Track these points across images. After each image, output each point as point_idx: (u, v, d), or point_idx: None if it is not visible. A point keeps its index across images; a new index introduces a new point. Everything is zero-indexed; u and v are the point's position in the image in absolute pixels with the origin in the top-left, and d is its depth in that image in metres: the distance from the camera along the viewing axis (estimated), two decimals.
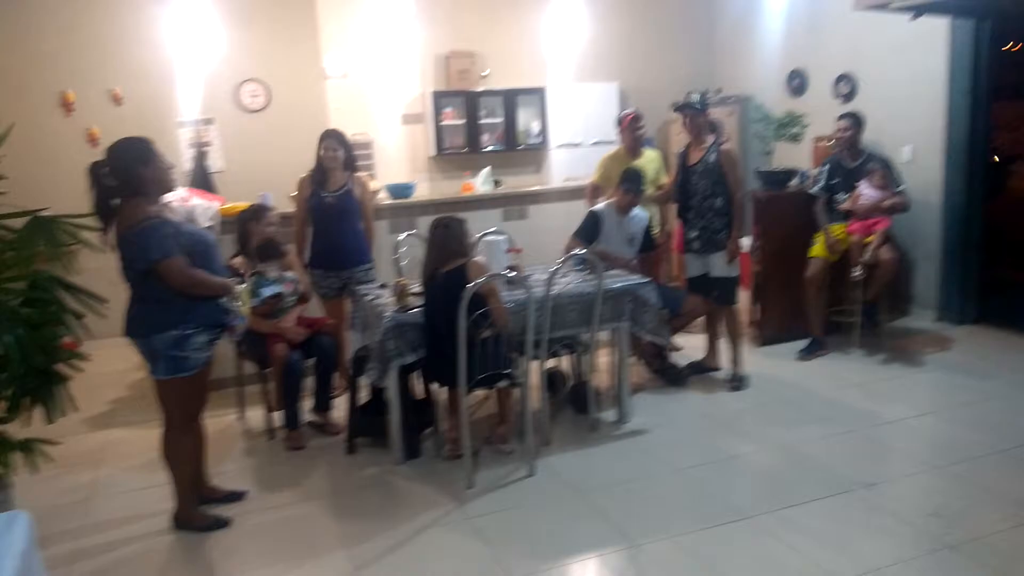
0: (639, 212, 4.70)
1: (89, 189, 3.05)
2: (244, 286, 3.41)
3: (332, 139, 4.52)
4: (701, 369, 4.95)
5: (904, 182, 5.24)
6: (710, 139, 4.59)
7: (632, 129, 5.12)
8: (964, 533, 2.96)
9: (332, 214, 4.54)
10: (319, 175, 4.52)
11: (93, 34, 6.37)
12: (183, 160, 6.54)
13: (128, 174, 2.98)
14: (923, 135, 5.84)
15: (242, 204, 4.96)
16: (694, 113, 4.57)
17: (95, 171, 3.04)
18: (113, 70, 6.44)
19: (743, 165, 7.46)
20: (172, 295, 2.99)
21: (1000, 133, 6.29)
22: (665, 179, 5.25)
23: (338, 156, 4.51)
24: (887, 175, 5.11)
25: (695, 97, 4.71)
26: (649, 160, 5.20)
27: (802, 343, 5.27)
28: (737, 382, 4.67)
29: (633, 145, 5.15)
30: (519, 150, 7.76)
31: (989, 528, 2.99)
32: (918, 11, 5.04)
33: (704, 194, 4.55)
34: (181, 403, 3.17)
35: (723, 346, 4.94)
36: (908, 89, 5.92)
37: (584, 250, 4.17)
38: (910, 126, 5.93)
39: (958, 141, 5.62)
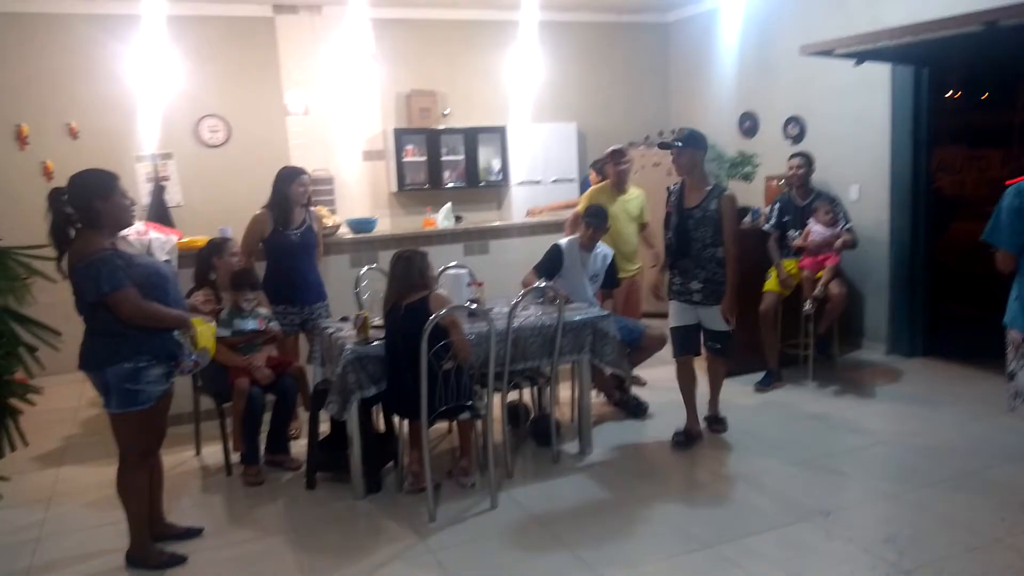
0: (603, 248, 4.77)
1: (46, 214, 3.01)
2: (210, 325, 3.34)
3: (305, 176, 4.54)
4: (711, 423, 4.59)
5: (851, 220, 5.43)
6: (710, 183, 4.21)
7: (615, 164, 5.23)
8: (918, 558, 3.03)
9: (294, 251, 4.53)
10: (282, 212, 4.50)
11: (49, 67, 6.31)
12: (141, 194, 6.48)
13: (85, 206, 2.96)
14: (869, 175, 6.06)
15: (201, 239, 4.93)
16: (677, 151, 4.13)
17: (54, 198, 3.01)
18: (69, 103, 6.38)
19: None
20: (125, 327, 2.95)
21: (943, 175, 6.55)
22: (648, 218, 5.39)
23: (308, 193, 4.54)
24: (833, 211, 5.30)
25: (685, 132, 4.20)
26: (633, 197, 5.32)
27: (758, 375, 5.38)
28: (720, 425, 4.54)
29: (618, 180, 5.27)
30: (480, 187, 7.83)
31: (942, 552, 3.07)
32: (860, 58, 5.27)
33: (704, 242, 4.14)
34: (136, 437, 3.10)
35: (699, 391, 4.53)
36: (854, 131, 6.17)
37: (544, 283, 4.23)
38: (857, 166, 6.16)
39: (902, 181, 5.85)
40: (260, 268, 4.63)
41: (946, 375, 5.42)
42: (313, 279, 4.65)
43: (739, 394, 5.22)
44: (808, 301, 5.23)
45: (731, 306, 4.17)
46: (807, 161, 5.45)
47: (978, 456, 4.03)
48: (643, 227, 5.41)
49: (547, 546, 3.27)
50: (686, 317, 4.33)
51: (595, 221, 4.62)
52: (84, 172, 3.02)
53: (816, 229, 5.27)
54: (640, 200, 5.37)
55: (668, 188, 4.39)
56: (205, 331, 3.21)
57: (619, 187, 5.28)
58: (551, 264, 4.62)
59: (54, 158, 6.30)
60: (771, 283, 5.38)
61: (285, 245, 4.50)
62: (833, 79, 6.21)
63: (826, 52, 5.21)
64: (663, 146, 4.25)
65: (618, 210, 5.17)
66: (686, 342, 4.38)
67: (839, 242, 5.23)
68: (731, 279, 4.15)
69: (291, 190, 4.47)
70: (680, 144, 4.11)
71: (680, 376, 4.45)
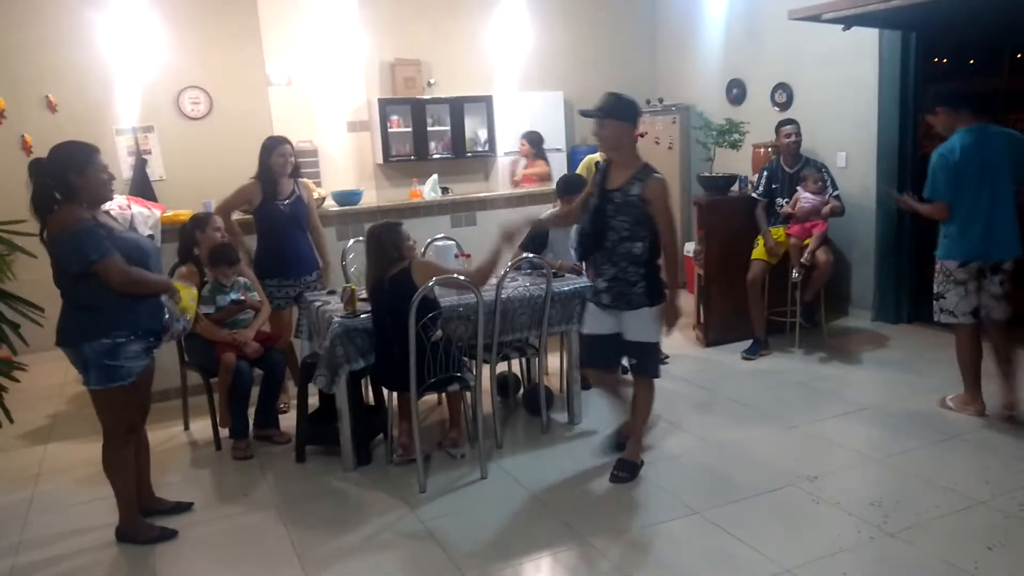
0: None
1: (28, 185, 2.97)
2: (191, 290, 3.34)
3: (286, 146, 4.48)
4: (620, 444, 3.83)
5: (839, 187, 5.43)
6: (638, 163, 3.41)
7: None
8: (902, 521, 3.07)
9: (286, 222, 4.49)
10: (269, 184, 4.45)
11: (26, 38, 6.16)
12: (122, 168, 6.40)
13: (61, 180, 2.92)
14: (857, 142, 6.05)
15: (184, 212, 4.88)
16: (598, 123, 3.39)
17: (34, 168, 2.96)
18: (47, 76, 6.25)
19: (683, 186, 7.66)
20: (103, 301, 2.92)
21: (930, 142, 6.54)
22: None
23: (291, 163, 4.48)
24: (821, 179, 5.29)
25: (609, 100, 3.37)
26: None
27: (745, 343, 5.41)
28: (626, 473, 3.57)
29: None
30: (467, 157, 7.77)
31: (925, 515, 3.11)
32: (849, 22, 5.23)
33: (621, 234, 3.37)
34: (118, 414, 3.08)
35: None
36: (842, 98, 6.14)
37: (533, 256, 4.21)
38: (844, 133, 6.14)
39: (889, 148, 5.84)
40: (251, 242, 4.61)
41: (931, 341, 5.46)
42: (305, 251, 4.62)
43: (727, 362, 5.25)
44: (795, 268, 5.24)
45: (673, 313, 3.46)
46: (799, 128, 5.42)
47: (962, 421, 4.08)
48: None
49: (537, 515, 3.29)
50: (599, 323, 3.57)
51: (575, 192, 4.59)
52: (62, 145, 2.97)
53: (805, 196, 5.27)
54: None
55: (597, 163, 3.94)
56: (186, 296, 3.20)
57: None
58: (538, 239, 4.59)
59: (32, 132, 6.19)
60: (758, 251, 5.38)
61: (275, 216, 4.46)
62: (821, 45, 6.17)
63: (814, 17, 5.16)
64: (584, 113, 3.47)
65: None
66: (597, 353, 3.63)
67: (827, 209, 5.23)
68: (671, 280, 3.49)
69: (272, 160, 4.41)
70: (601, 114, 3.37)
71: (602, 391, 3.96)
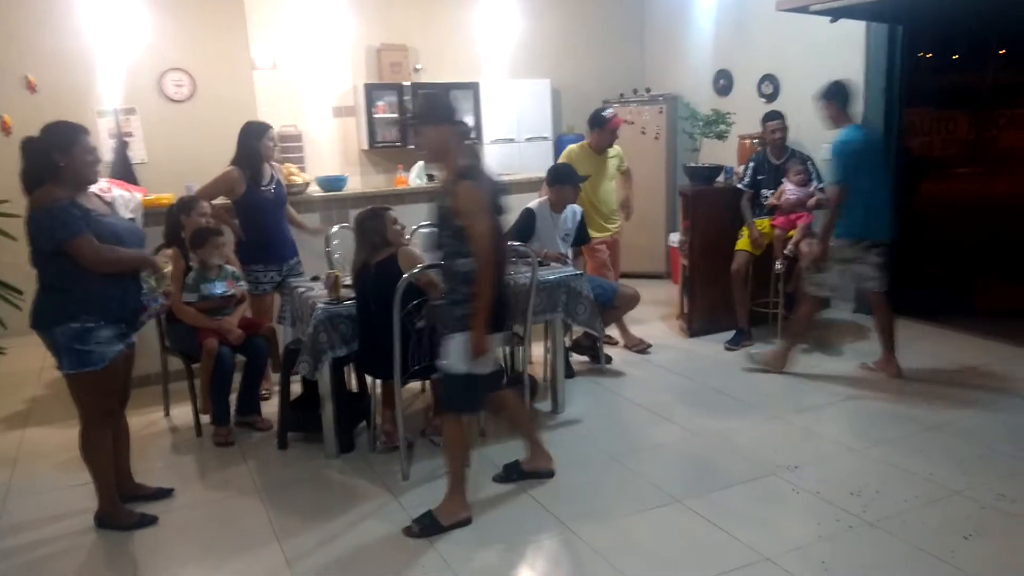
0: (572, 206, 4.75)
1: (21, 161, 2.94)
2: (169, 268, 3.32)
3: (272, 130, 4.46)
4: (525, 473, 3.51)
5: (824, 179, 5.44)
6: (457, 169, 2.97)
7: (614, 132, 5.22)
8: (881, 510, 3.10)
9: (270, 208, 4.46)
10: (253, 169, 4.41)
11: (5, 18, 6.06)
12: (104, 150, 6.29)
13: (46, 159, 2.88)
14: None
15: (166, 196, 4.83)
16: (416, 131, 3.09)
17: (25, 146, 2.93)
18: (27, 55, 6.15)
19: (669, 176, 7.66)
20: (72, 283, 2.88)
21: (913, 136, 6.59)
22: (627, 166, 5.52)
23: (276, 148, 4.46)
24: (805, 172, 5.31)
25: (423, 104, 3.12)
26: (612, 155, 5.33)
27: (729, 334, 5.43)
28: (419, 526, 3.07)
29: (603, 144, 5.25)
30: None
31: (904, 505, 3.15)
32: (836, 14, 5.24)
33: (447, 250, 3.01)
34: (94, 399, 3.05)
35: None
36: None
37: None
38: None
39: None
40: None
41: (912, 333, 5.51)
42: (287, 235, 4.61)
43: (710, 353, 5.27)
44: (778, 260, 5.26)
45: (478, 339, 2.94)
46: (785, 122, 5.44)
47: (941, 412, 4.12)
48: (624, 173, 5.48)
49: (521, 503, 3.30)
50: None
51: (566, 181, 4.59)
52: (52, 124, 2.94)
53: (790, 188, 5.28)
54: (618, 158, 5.40)
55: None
56: (164, 280, 3.18)
57: (599, 151, 5.26)
58: (525, 228, 4.59)
59: (12, 112, 6.10)
60: (743, 242, 5.40)
61: (260, 202, 4.42)
62: (809, 37, 6.18)
63: (802, 8, 5.15)
64: (408, 125, 3.09)
65: (597, 170, 5.17)
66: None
67: (812, 201, 5.25)
68: (480, 302, 2.92)
69: (261, 145, 4.37)
70: (416, 122, 3.08)
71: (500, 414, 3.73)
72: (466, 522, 3.11)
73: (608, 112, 5.30)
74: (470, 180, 2.91)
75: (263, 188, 4.41)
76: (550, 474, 3.47)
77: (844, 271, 4.54)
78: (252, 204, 4.42)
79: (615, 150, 5.39)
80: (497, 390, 3.36)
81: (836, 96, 4.52)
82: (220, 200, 4.52)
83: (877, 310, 4.71)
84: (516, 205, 4.79)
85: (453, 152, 3.00)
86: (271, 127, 4.49)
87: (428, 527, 3.05)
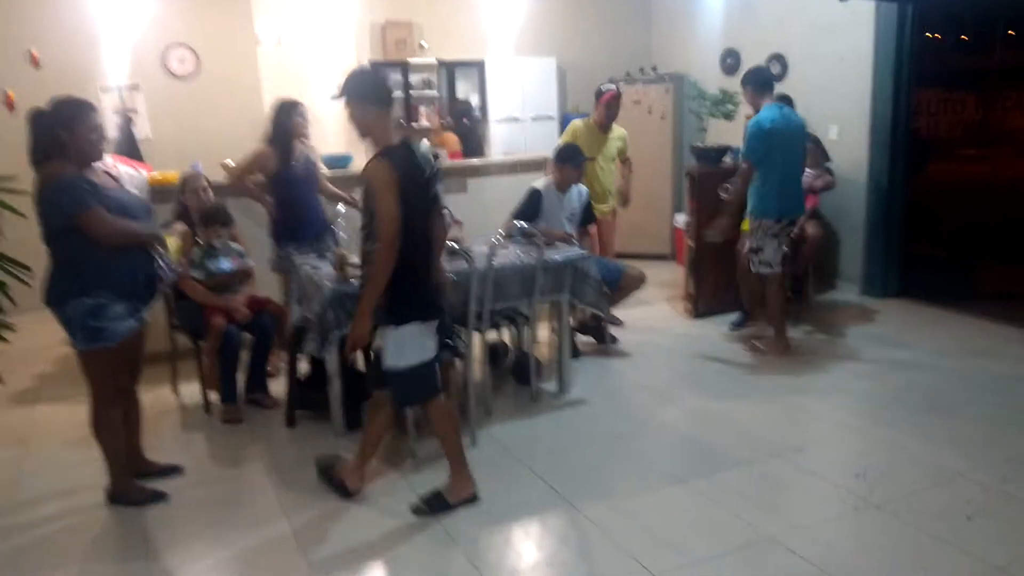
0: (578, 186, 4.74)
1: (28, 134, 2.93)
2: (175, 242, 3.35)
3: (303, 106, 4.46)
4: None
5: (831, 159, 5.43)
6: (380, 149, 2.89)
7: (608, 106, 5.18)
8: (887, 492, 3.13)
9: (302, 185, 4.48)
10: (285, 147, 4.40)
11: None
12: (108, 127, 6.25)
13: (49, 135, 2.88)
14: (850, 115, 6.04)
15: (171, 173, 4.82)
16: (345, 102, 2.93)
17: (34, 119, 2.92)
18: (30, 30, 6.12)
19: (675, 157, 7.60)
20: (83, 258, 2.89)
21: (920, 117, 6.54)
22: (629, 153, 5.45)
23: (307, 125, 4.46)
24: (818, 153, 5.29)
25: (348, 78, 2.94)
26: (617, 136, 5.29)
27: (734, 315, 5.44)
28: (433, 505, 3.08)
29: (606, 121, 5.22)
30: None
31: (909, 488, 3.17)
32: None
33: (367, 230, 2.88)
34: (106, 375, 3.06)
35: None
36: (836, 70, 6.12)
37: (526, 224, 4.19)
38: (837, 106, 6.13)
39: (883, 122, 5.84)
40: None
41: (918, 315, 5.52)
42: (319, 212, 4.63)
43: (715, 334, 5.28)
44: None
45: (360, 323, 2.88)
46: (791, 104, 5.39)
47: (946, 394, 4.14)
48: (624, 161, 5.40)
49: (526, 482, 3.33)
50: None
51: (572, 161, 4.58)
52: (59, 99, 2.93)
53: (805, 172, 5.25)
54: (622, 141, 5.35)
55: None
56: (171, 246, 3.20)
57: (604, 128, 5.23)
58: (530, 208, 4.58)
59: (16, 87, 6.07)
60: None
61: (293, 179, 4.43)
62: (818, 16, 6.13)
63: None
64: (333, 98, 2.98)
65: (596, 148, 5.14)
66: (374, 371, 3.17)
67: (820, 182, 5.24)
68: (369, 288, 2.85)
69: (293, 122, 4.38)
70: (340, 94, 2.94)
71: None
72: (472, 498, 3.14)
73: (604, 86, 5.29)
74: (383, 160, 2.82)
75: (294, 165, 4.41)
76: (474, 499, 3.14)
77: (778, 247, 4.74)
78: (285, 182, 4.42)
79: (619, 132, 5.34)
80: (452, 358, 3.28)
81: (751, 81, 4.76)
82: (255, 177, 4.52)
83: (773, 288, 4.86)
84: (522, 185, 4.81)
85: (377, 132, 2.93)
86: (301, 103, 4.46)
87: (435, 506, 3.07)
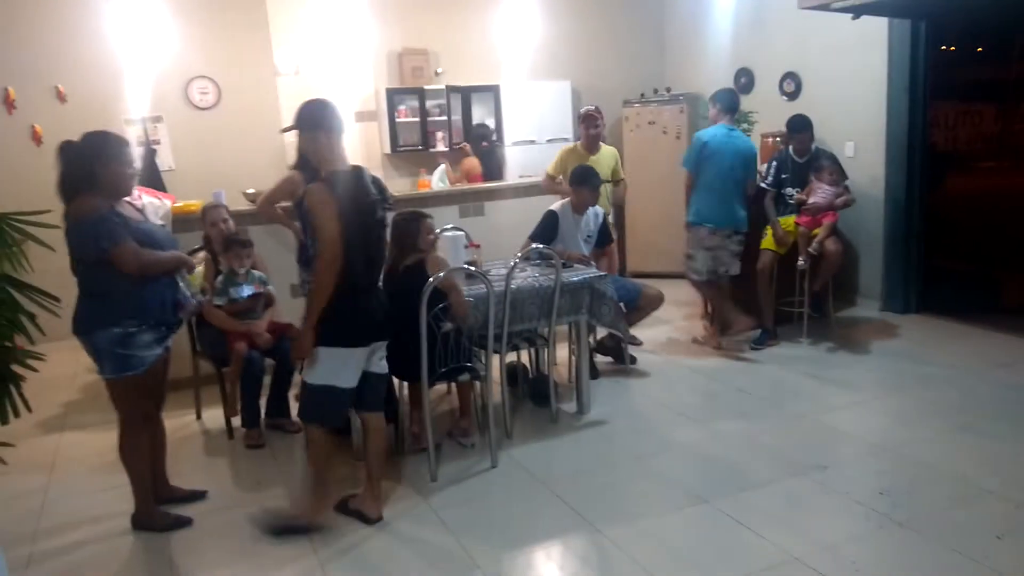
0: (594, 208, 4.76)
1: (56, 167, 2.99)
2: (200, 269, 3.40)
3: None
4: None
5: (848, 177, 5.42)
6: (324, 171, 3.00)
7: (586, 126, 5.22)
8: (911, 510, 3.09)
9: None
10: (313, 173, 4.45)
11: (35, 29, 6.19)
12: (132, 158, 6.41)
13: (83, 169, 2.95)
14: (865, 132, 6.04)
15: (194, 203, 4.91)
16: (299, 134, 3.10)
17: (63, 151, 2.99)
18: (56, 66, 6.28)
19: None
20: (112, 288, 2.95)
21: (937, 131, 6.52)
22: (623, 175, 5.41)
23: None
24: (838, 171, 5.29)
25: (299, 111, 3.10)
26: (606, 156, 5.30)
27: (754, 333, 5.41)
28: (271, 519, 3.20)
29: (589, 142, 5.25)
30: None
31: (933, 505, 3.13)
32: (858, 11, 5.21)
33: (312, 251, 3.02)
34: (133, 402, 3.11)
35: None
36: (850, 87, 6.12)
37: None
38: (853, 123, 6.13)
39: (898, 137, 5.83)
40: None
41: (939, 331, 5.47)
42: None
43: (735, 352, 5.26)
44: (802, 257, 5.24)
45: (303, 343, 2.94)
46: (812, 133, 5.40)
47: (970, 411, 4.09)
48: (617, 183, 5.43)
49: (547, 504, 3.32)
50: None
51: (588, 183, 4.60)
52: (91, 134, 3.00)
53: (823, 189, 5.24)
54: (613, 159, 5.37)
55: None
56: (194, 281, 3.25)
57: (590, 149, 5.27)
58: (547, 231, 4.60)
59: (43, 122, 6.22)
60: (767, 241, 5.38)
61: None
62: (830, 35, 6.15)
63: (823, 6, 5.14)
64: (282, 131, 3.20)
65: None
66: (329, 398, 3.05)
67: (840, 200, 5.23)
68: (311, 304, 2.90)
69: None
70: (292, 127, 3.10)
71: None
72: (307, 529, 3.12)
73: (583, 108, 5.36)
74: (321, 184, 2.91)
75: None
76: (373, 520, 3.20)
77: (708, 256, 5.13)
78: None
79: (610, 151, 5.36)
80: (365, 409, 3.26)
81: (720, 100, 5.18)
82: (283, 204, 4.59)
83: (721, 291, 5.29)
84: (538, 208, 4.84)
85: (323, 158, 3.02)
86: None
87: (273, 521, 3.15)
